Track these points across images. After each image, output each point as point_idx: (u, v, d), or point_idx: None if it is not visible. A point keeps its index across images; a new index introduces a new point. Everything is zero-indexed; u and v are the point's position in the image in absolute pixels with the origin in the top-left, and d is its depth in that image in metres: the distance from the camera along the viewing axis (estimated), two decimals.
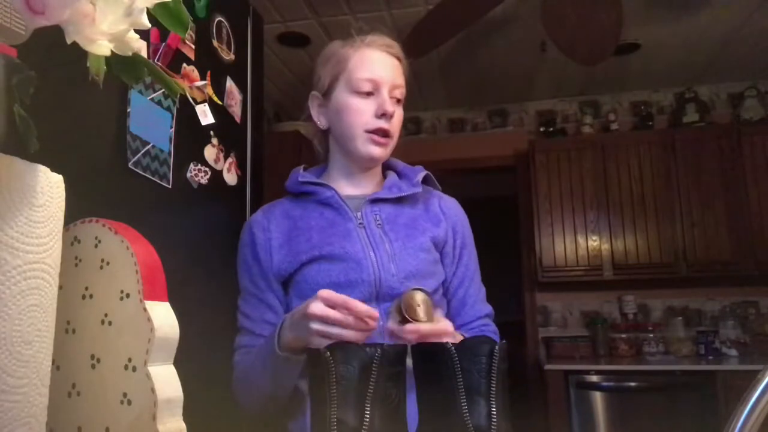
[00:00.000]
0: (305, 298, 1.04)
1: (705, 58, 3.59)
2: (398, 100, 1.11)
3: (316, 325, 0.87)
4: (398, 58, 1.13)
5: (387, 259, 1.05)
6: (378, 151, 1.10)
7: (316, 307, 0.87)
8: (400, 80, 1.11)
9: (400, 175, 1.20)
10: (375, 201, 1.12)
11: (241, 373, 1.09)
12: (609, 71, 3.63)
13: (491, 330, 1.15)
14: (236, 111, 1.45)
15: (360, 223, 1.09)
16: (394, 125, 1.10)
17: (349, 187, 1.16)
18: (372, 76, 1.08)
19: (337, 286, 1.02)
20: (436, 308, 0.98)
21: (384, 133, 1.09)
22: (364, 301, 1.02)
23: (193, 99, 1.27)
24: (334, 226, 1.09)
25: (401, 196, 1.13)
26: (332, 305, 0.86)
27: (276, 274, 1.10)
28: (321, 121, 1.16)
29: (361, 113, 1.08)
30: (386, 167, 1.22)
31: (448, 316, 1.13)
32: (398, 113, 1.11)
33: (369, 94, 1.08)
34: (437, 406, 0.66)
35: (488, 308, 1.18)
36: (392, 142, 1.12)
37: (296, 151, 3.43)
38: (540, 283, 3.80)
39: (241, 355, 1.11)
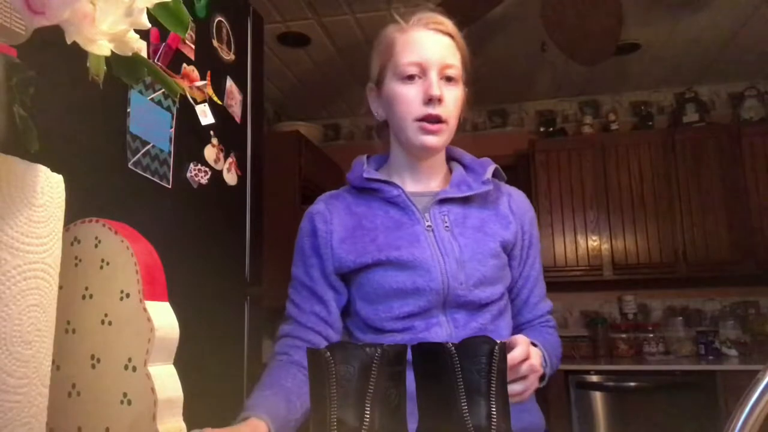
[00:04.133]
0: (370, 302, 1.03)
1: (705, 58, 3.59)
2: (450, 79, 1.02)
3: None
4: (450, 35, 1.04)
5: (456, 266, 1.00)
6: (431, 140, 1.02)
7: None
8: (452, 59, 1.02)
9: (466, 168, 1.12)
10: (442, 201, 1.06)
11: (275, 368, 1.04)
12: (609, 71, 3.63)
13: (552, 325, 1.13)
14: (236, 111, 1.45)
15: (428, 226, 1.04)
16: (447, 109, 1.01)
17: (412, 182, 1.10)
18: (417, 59, 1.00)
19: (403, 293, 1.00)
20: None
21: (435, 119, 1.00)
22: (430, 308, 1.00)
23: (193, 99, 1.27)
24: (402, 229, 1.04)
25: (469, 195, 1.06)
26: None
27: (336, 267, 1.05)
28: (378, 113, 1.10)
29: (409, 101, 1.01)
30: (451, 158, 1.15)
31: (514, 314, 1.12)
32: (452, 95, 1.02)
33: (416, 78, 1.01)
34: (437, 406, 0.66)
35: (549, 305, 1.15)
36: (447, 127, 1.03)
37: (296, 151, 3.43)
38: None
39: (282, 346, 1.05)
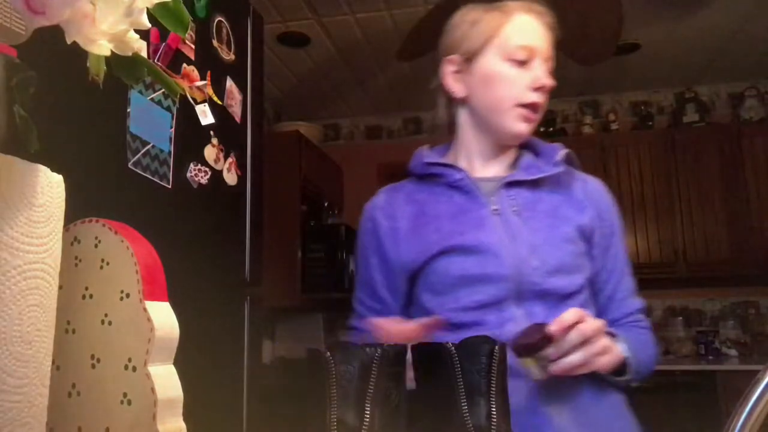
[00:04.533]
0: (436, 293, 0.97)
1: (705, 58, 3.59)
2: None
3: None
4: (551, 28, 1.03)
5: (528, 252, 0.93)
6: (526, 129, 0.99)
7: None
8: (551, 52, 1.02)
9: (536, 152, 1.07)
10: (510, 184, 1.00)
11: None
12: (609, 71, 3.63)
13: (644, 326, 1.03)
14: (236, 111, 1.45)
15: (495, 210, 0.98)
16: (544, 100, 1.00)
17: (480, 168, 1.04)
18: (529, 43, 0.98)
19: (470, 281, 0.93)
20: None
21: (535, 109, 0.98)
22: (503, 299, 0.92)
23: (193, 99, 1.27)
24: (466, 213, 0.98)
25: (539, 179, 1.00)
26: None
27: (403, 267, 1.00)
28: (457, 89, 1.04)
29: (514, 84, 0.97)
30: (520, 144, 1.09)
31: (597, 312, 1.02)
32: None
33: (522, 63, 0.98)
34: (437, 406, 0.66)
35: (639, 302, 1.04)
36: (538, 119, 1.01)
37: (296, 151, 3.43)
38: None
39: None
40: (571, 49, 2.62)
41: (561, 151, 1.04)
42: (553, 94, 3.68)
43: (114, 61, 0.50)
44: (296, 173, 3.38)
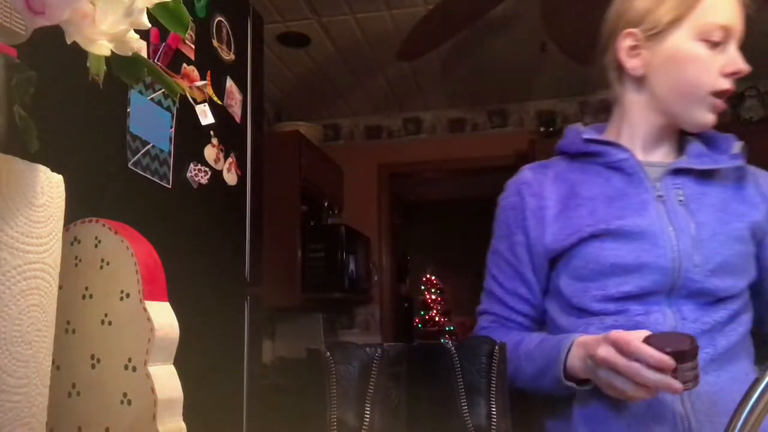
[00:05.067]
0: (579, 279, 0.89)
1: None
2: None
3: (603, 374, 0.74)
4: (744, 5, 0.94)
5: (691, 245, 0.85)
6: (713, 120, 0.90)
7: (604, 352, 0.73)
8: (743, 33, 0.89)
9: (705, 140, 0.97)
10: (677, 171, 0.91)
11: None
12: None
13: None
14: (236, 111, 1.45)
15: (659, 196, 0.89)
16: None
17: (641, 150, 0.95)
18: (727, 22, 0.89)
19: (623, 270, 0.86)
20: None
21: (726, 96, 0.90)
22: (652, 293, 0.86)
23: (193, 99, 1.27)
24: (625, 197, 0.89)
25: (708, 170, 0.91)
26: (621, 351, 0.71)
27: (547, 248, 0.93)
28: (634, 65, 0.94)
29: (707, 68, 0.88)
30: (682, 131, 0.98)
31: (758, 320, 0.93)
32: None
33: (716, 44, 0.89)
34: (437, 406, 0.66)
35: None
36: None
37: (296, 151, 3.43)
38: None
39: (489, 322, 0.97)
40: (571, 49, 2.62)
41: (737, 143, 0.96)
42: (553, 93, 3.70)
43: (114, 61, 0.50)
44: (296, 173, 3.37)
